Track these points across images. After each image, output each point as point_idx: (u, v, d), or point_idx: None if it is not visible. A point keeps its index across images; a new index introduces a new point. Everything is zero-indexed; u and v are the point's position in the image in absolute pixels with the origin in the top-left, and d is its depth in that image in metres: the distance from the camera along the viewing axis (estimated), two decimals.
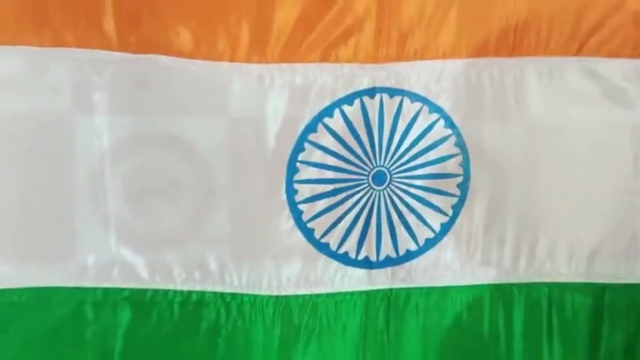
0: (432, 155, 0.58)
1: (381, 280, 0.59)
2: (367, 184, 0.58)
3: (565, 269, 0.61)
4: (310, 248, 0.58)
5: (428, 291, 0.60)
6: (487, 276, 0.61)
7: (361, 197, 0.58)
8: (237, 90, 0.54)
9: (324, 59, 0.55)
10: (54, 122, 0.53)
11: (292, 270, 0.58)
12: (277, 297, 0.58)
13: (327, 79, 0.55)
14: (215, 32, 0.53)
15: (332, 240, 0.58)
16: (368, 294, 0.59)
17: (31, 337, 0.56)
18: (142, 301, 0.56)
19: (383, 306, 0.60)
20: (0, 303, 0.54)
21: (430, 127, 0.58)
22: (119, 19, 0.52)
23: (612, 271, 0.62)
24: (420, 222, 0.59)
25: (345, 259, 0.59)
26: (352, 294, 0.59)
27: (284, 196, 0.57)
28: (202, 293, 0.57)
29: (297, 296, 0.59)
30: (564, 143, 0.59)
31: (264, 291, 0.58)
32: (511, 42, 0.58)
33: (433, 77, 0.57)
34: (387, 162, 0.58)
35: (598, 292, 0.62)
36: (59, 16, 0.51)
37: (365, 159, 0.57)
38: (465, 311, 0.61)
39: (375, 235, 0.59)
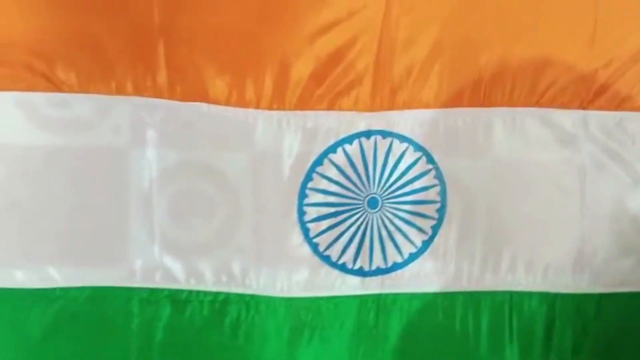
0: (416, 185, 0.72)
1: (372, 286, 0.72)
2: (362, 208, 0.71)
3: (524, 280, 0.74)
4: (315, 259, 0.71)
5: (411, 296, 0.73)
6: (460, 285, 0.74)
7: (358, 218, 0.71)
8: (260, 131, 0.68)
9: (330, 107, 0.69)
10: (116, 154, 0.66)
11: (300, 277, 0.71)
12: (287, 298, 0.71)
13: (332, 123, 0.69)
14: (244, 85, 0.67)
15: (333, 253, 0.71)
16: (361, 297, 0.72)
17: (89, 327, 0.68)
18: (179, 299, 0.69)
19: (374, 307, 0.73)
20: (66, 299, 0.68)
21: (414, 163, 0.71)
22: (169, 73, 0.66)
23: (562, 282, 0.75)
24: (405, 239, 0.72)
25: (343, 268, 0.72)
26: (348, 297, 0.72)
27: (295, 216, 0.70)
28: (228, 294, 0.70)
29: (304, 298, 0.71)
30: (524, 178, 0.73)
31: (277, 293, 0.71)
32: (482, 94, 0.71)
33: (417, 122, 0.70)
34: (379, 190, 0.71)
35: (550, 300, 0.75)
36: (122, 71, 0.65)
37: (361, 187, 0.71)
38: (440, 313, 0.74)
39: (369, 249, 0.72)
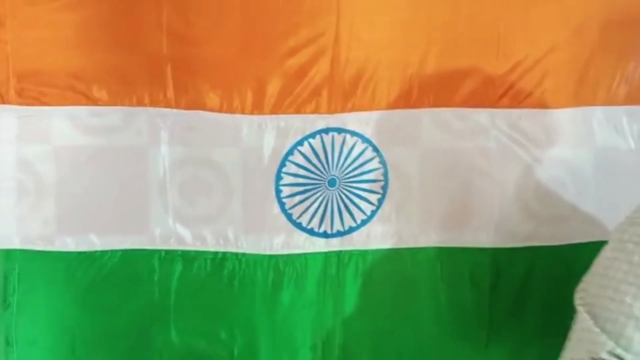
0: (364, 168, 0.94)
1: (334, 245, 0.95)
2: (324, 186, 0.94)
3: (449, 238, 0.97)
4: (290, 225, 0.94)
5: (364, 252, 0.96)
6: (401, 243, 0.97)
7: (321, 194, 0.94)
8: (245, 131, 0.91)
9: (297, 111, 0.91)
10: (138, 150, 0.89)
11: (279, 239, 0.93)
12: (270, 255, 0.94)
13: (299, 124, 0.91)
14: (232, 97, 0.89)
15: (304, 220, 0.94)
16: (326, 253, 0.95)
17: (122, 280, 0.92)
18: (188, 257, 0.93)
19: (335, 261, 0.95)
20: (104, 259, 0.91)
21: (363, 152, 0.94)
22: (175, 89, 0.89)
23: (482, 240, 0.96)
24: (358, 209, 0.95)
25: (311, 232, 0.94)
26: (315, 253, 0.95)
27: (273, 194, 0.93)
28: (225, 253, 0.93)
29: (282, 255, 0.94)
30: (447, 162, 0.96)
31: (262, 252, 0.93)
32: (413, 99, 0.94)
33: (364, 121, 0.93)
34: (337, 172, 0.94)
35: (473, 253, 0.97)
36: (141, 88, 0.88)
37: (323, 171, 0.94)
38: (387, 265, 0.97)
39: (330, 217, 0.94)
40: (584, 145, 0.97)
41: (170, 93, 0.89)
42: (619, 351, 0.58)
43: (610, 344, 0.59)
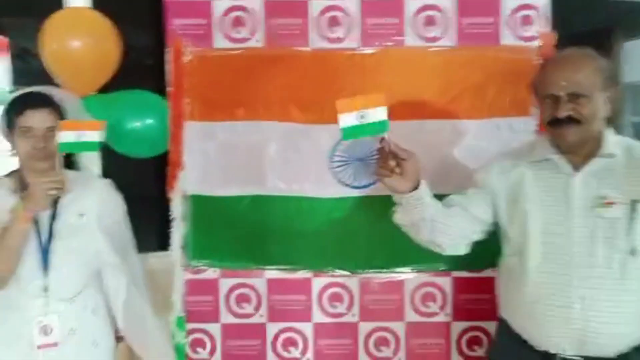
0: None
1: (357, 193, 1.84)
2: (353, 162, 1.82)
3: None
4: (335, 182, 1.82)
5: (373, 198, 1.84)
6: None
7: (351, 166, 1.82)
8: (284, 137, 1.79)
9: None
10: (260, 146, 1.78)
11: (331, 190, 1.82)
12: (325, 198, 1.81)
13: None
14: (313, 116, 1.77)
15: (346, 179, 1.82)
16: (354, 197, 1.83)
17: (247, 216, 1.80)
18: (283, 200, 1.80)
19: (356, 204, 1.84)
20: (238, 203, 1.79)
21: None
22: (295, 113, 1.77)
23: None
24: (369, 173, 1.83)
25: (347, 186, 1.82)
26: (348, 197, 1.83)
27: (329, 164, 1.81)
28: (300, 197, 1.80)
29: (330, 198, 1.82)
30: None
31: (321, 196, 1.81)
32: (407, 115, 1.80)
33: None
34: (361, 155, 1.82)
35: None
36: (264, 110, 1.76)
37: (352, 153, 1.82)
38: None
39: (357, 177, 1.83)
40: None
41: (241, 112, 1.76)
42: None
43: None
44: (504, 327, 1.45)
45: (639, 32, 3.00)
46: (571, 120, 1.26)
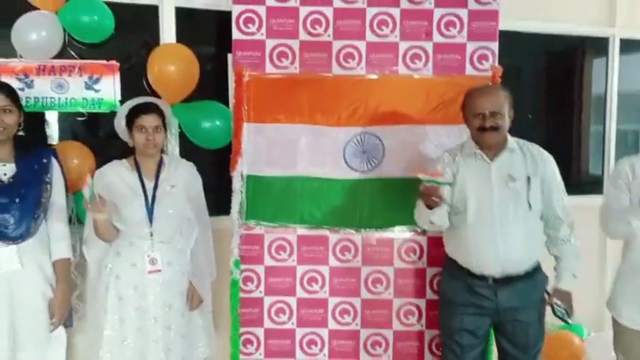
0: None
1: (363, 176, 2.61)
2: (361, 153, 2.59)
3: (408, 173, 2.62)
4: (348, 168, 2.59)
5: (376, 179, 2.61)
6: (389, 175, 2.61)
7: (359, 156, 2.60)
8: (334, 133, 2.57)
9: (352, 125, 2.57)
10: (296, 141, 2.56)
11: (343, 172, 2.59)
12: (339, 179, 2.59)
13: (352, 130, 2.57)
14: (330, 119, 2.55)
15: (354, 165, 2.59)
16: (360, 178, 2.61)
17: (284, 190, 2.58)
18: (317, 180, 2.58)
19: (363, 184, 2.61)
20: (278, 181, 2.57)
21: (375, 142, 2.59)
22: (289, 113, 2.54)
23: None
24: (374, 159, 2.61)
25: (354, 170, 2.60)
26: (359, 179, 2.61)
27: (342, 154, 2.58)
28: (321, 178, 2.58)
29: (341, 179, 2.59)
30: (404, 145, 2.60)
31: (336, 177, 2.59)
32: (393, 120, 2.57)
33: (379, 130, 2.58)
34: (365, 148, 2.59)
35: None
36: (300, 115, 2.54)
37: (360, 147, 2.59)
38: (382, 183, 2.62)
39: (362, 165, 2.60)
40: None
41: (282, 115, 2.54)
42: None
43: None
44: (450, 264, 2.22)
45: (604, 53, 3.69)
46: (493, 129, 2.03)
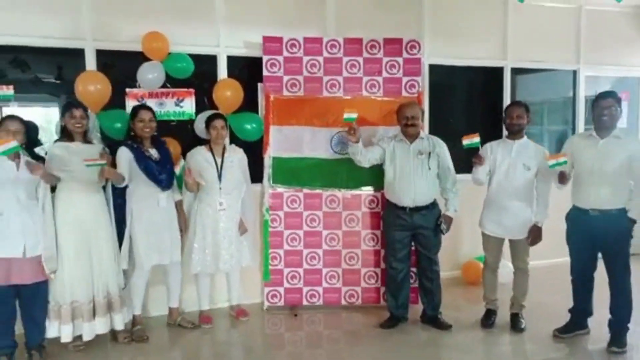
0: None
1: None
2: (343, 142, 4.32)
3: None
4: (333, 153, 4.31)
5: None
6: None
7: (342, 145, 4.32)
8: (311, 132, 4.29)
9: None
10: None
11: (328, 154, 4.32)
12: (330, 159, 4.32)
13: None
14: (324, 122, 4.27)
15: (337, 150, 4.32)
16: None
17: (295, 165, 4.31)
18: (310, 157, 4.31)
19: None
20: (292, 160, 4.28)
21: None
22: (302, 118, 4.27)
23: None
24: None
25: (337, 153, 4.33)
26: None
27: (330, 142, 4.30)
28: (318, 158, 4.31)
29: (331, 159, 4.32)
30: None
31: (327, 158, 4.32)
32: (372, 121, 4.30)
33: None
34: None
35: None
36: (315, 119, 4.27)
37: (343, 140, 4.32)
38: None
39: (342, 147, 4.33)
40: None
41: (302, 119, 4.27)
42: None
43: None
44: (387, 202, 3.98)
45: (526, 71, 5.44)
46: (412, 125, 3.77)
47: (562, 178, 3.49)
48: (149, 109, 3.76)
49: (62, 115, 3.54)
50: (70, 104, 3.52)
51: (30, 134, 3.38)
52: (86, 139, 3.54)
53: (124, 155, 3.62)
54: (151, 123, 3.70)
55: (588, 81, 5.61)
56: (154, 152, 3.73)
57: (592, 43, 5.50)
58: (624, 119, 5.57)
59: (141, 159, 3.63)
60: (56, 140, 3.51)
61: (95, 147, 3.56)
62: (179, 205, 3.91)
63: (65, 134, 3.48)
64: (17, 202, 3.20)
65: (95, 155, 3.42)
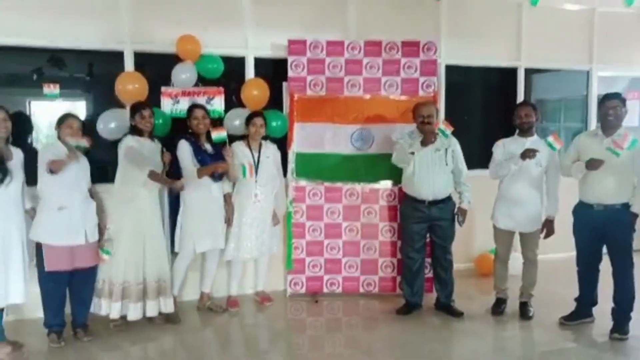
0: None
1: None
2: (361, 138, 4.57)
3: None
4: (353, 147, 4.58)
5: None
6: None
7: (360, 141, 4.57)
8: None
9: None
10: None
11: (350, 149, 4.58)
12: (345, 154, 4.58)
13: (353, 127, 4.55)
14: (343, 120, 4.53)
15: (358, 145, 4.58)
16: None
17: (317, 160, 4.57)
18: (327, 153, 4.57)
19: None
20: (314, 155, 4.55)
21: (365, 132, 4.57)
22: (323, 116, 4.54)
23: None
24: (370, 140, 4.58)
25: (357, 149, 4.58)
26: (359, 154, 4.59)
27: (350, 139, 4.56)
28: (334, 153, 4.57)
29: (349, 155, 4.58)
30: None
31: (342, 152, 4.57)
32: (368, 120, 4.54)
33: (374, 127, 4.55)
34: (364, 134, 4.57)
35: None
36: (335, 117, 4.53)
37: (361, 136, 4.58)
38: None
39: (364, 143, 4.58)
40: None
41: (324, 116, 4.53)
42: None
43: None
44: (406, 196, 4.21)
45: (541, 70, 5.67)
46: (429, 123, 4.00)
47: (591, 165, 3.59)
48: (202, 107, 4.13)
49: (132, 115, 3.85)
50: (139, 105, 3.84)
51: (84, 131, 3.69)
52: (151, 136, 3.89)
53: (185, 147, 3.98)
54: (205, 120, 4.07)
55: (604, 81, 5.79)
56: (208, 147, 4.09)
57: (604, 44, 5.68)
58: (635, 117, 5.75)
59: (198, 152, 4.00)
60: (126, 134, 3.85)
61: (157, 145, 3.92)
62: (227, 197, 4.24)
63: (135, 131, 3.82)
64: (80, 193, 3.54)
65: (157, 152, 3.83)
